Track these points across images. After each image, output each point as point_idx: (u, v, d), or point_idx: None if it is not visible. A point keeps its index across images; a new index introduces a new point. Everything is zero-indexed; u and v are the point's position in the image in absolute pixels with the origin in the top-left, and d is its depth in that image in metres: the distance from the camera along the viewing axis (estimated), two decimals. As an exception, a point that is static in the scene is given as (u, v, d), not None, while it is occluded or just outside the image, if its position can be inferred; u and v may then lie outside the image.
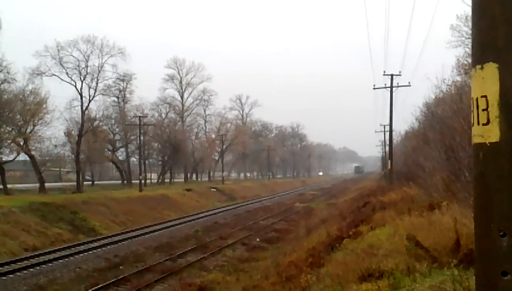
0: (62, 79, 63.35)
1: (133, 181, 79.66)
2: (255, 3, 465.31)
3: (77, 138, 64.32)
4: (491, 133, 2.58)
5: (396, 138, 60.59)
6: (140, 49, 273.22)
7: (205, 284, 20.22)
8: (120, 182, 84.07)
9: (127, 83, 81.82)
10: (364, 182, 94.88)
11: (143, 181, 68.66)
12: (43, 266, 24.53)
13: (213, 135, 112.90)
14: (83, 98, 65.38)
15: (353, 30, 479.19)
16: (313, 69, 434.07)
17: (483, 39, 2.66)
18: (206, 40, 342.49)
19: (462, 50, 38.06)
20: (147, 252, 28.59)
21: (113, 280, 20.77)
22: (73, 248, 29.76)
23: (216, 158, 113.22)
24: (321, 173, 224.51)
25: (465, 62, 33.80)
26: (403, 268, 8.22)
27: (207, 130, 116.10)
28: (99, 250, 29.62)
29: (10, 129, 55.13)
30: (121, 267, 24.27)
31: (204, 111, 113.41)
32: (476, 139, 2.68)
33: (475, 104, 2.68)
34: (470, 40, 2.80)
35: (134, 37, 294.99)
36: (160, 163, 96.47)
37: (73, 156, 68.04)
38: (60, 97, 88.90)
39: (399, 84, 47.47)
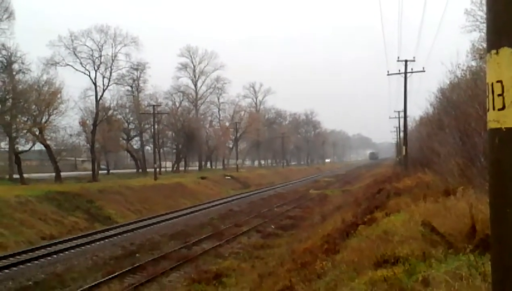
0: (76, 69, 63.82)
1: (148, 170, 79.93)
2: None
3: (92, 127, 64.63)
4: (506, 119, 2.57)
5: (410, 124, 60.23)
6: (153, 38, 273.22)
7: (221, 271, 20.32)
8: (135, 170, 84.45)
9: (140, 72, 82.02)
10: (379, 169, 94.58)
11: (157, 169, 68.90)
12: (60, 254, 24.81)
13: (227, 123, 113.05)
14: (97, 88, 65.86)
15: (366, 16, 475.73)
16: (326, 56, 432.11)
17: (498, 23, 2.65)
18: (219, 28, 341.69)
19: (477, 35, 37.65)
20: (162, 239, 28.77)
21: (129, 268, 20.96)
22: (89, 236, 30.04)
23: (230, 145, 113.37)
24: (327, 160, 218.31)
25: (480, 47, 33.47)
26: (419, 254, 8.20)
27: (221, 118, 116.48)
28: (115, 238, 29.88)
29: (26, 119, 55.51)
30: (137, 255, 24.47)
31: (218, 99, 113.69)
32: (491, 125, 2.67)
33: (491, 89, 2.67)
34: (485, 25, 2.77)
35: (147, 26, 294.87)
36: (174, 151, 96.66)
37: (88, 145, 68.43)
38: (75, 87, 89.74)
39: (413, 70, 47.20)
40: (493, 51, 2.65)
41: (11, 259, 23.22)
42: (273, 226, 33.41)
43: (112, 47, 66.56)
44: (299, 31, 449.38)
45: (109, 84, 67.95)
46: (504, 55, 2.59)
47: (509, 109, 2.56)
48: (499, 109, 2.61)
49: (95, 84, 65.55)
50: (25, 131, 55.10)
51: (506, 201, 2.59)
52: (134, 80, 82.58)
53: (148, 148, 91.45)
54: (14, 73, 53.17)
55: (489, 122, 2.69)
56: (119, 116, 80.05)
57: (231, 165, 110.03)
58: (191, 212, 43.01)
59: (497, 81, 2.62)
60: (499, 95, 2.61)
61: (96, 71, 65.29)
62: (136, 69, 79.32)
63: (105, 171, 79.29)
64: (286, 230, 31.80)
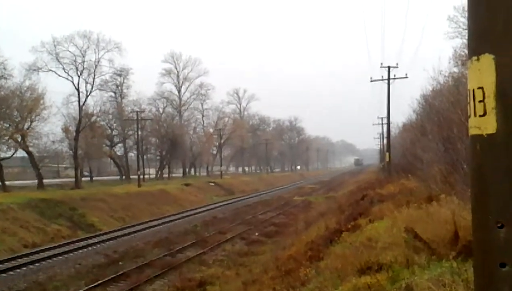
0: (59, 75, 63.62)
1: (131, 176, 79.60)
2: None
3: (74, 134, 64.29)
4: (487, 125, 2.57)
5: (394, 130, 60.56)
6: (137, 44, 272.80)
7: (205, 278, 20.26)
8: (118, 177, 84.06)
9: (124, 78, 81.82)
10: (363, 175, 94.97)
11: (141, 176, 68.67)
12: (43, 262, 24.59)
13: (211, 130, 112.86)
14: (80, 94, 65.66)
15: (349, 23, 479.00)
16: (309, 63, 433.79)
17: (479, 30, 2.65)
18: (203, 35, 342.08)
19: (460, 41, 37.97)
20: (146, 247, 28.61)
21: (112, 276, 20.80)
22: (72, 244, 29.80)
23: (214, 152, 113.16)
24: (298, 167, 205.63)
25: (462, 53, 33.75)
26: (402, 261, 8.23)
27: (204, 124, 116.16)
28: (98, 246, 29.67)
29: (8, 125, 54.99)
30: (120, 263, 24.30)
31: (202, 105, 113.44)
32: (473, 131, 2.67)
33: (472, 96, 2.66)
34: (466, 31, 2.79)
35: (131, 32, 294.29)
36: (158, 158, 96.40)
37: (71, 151, 68.07)
38: (57, 93, 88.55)
39: (396, 76, 47.48)
40: (474, 58, 2.65)
41: (-8, 267, 22.94)
42: (257, 233, 33.35)
43: (95, 52, 66.57)
44: (281, 38, 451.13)
45: (92, 90, 67.96)
46: (485, 61, 2.59)
47: (490, 115, 2.56)
48: (480, 116, 2.61)
49: (78, 90, 65.36)
50: (7, 138, 54.57)
51: (487, 207, 2.59)
52: (117, 86, 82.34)
53: (132, 155, 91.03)
54: (-4, 79, 52.68)
55: (470, 128, 2.69)
56: (102, 123, 79.72)
57: (215, 172, 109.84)
58: (175, 219, 42.83)
59: (478, 88, 2.62)
60: (480, 101, 2.61)
61: (79, 77, 65.21)
62: (120, 75, 79.26)
63: (88, 178, 78.85)
64: (271, 237, 31.77)
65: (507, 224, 2.53)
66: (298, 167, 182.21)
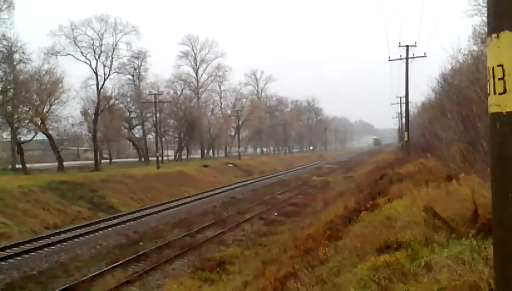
0: (77, 58, 63.78)
1: (150, 158, 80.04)
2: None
3: (93, 117, 64.68)
4: (507, 103, 2.56)
5: (412, 110, 60.10)
6: (154, 27, 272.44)
7: (224, 258, 20.42)
8: (137, 159, 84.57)
9: (141, 61, 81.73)
10: (381, 155, 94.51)
11: (160, 158, 68.95)
12: (64, 243, 24.89)
13: (229, 111, 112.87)
14: (98, 77, 65.87)
15: (368, 1, 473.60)
16: (327, 43, 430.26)
17: (499, 7, 2.63)
18: (219, 17, 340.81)
19: (479, 19, 37.33)
20: (166, 228, 28.86)
21: (133, 256, 21.04)
22: (93, 226, 30.11)
23: (232, 133, 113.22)
24: (311, 147, 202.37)
25: (482, 31, 33.23)
26: (421, 239, 8.21)
27: (222, 106, 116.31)
28: (118, 227, 29.96)
29: (27, 109, 55.51)
30: (140, 243, 24.54)
31: (219, 87, 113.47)
32: (492, 109, 2.67)
33: (491, 74, 2.66)
34: (486, 9, 2.76)
35: (148, 16, 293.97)
36: (176, 139, 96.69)
37: (90, 134, 68.49)
38: (76, 77, 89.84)
39: (415, 56, 47.03)
40: (494, 35, 2.64)
41: (15, 248, 23.28)
42: (276, 213, 33.47)
43: (112, 36, 66.58)
44: (300, 17, 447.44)
45: (110, 73, 68.16)
46: (505, 39, 2.57)
47: (510, 93, 2.55)
48: (500, 94, 2.60)
49: (96, 73, 65.60)
50: (27, 121, 55.16)
51: (507, 185, 2.59)
52: (135, 69, 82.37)
53: (150, 137, 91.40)
54: (15, 63, 53.03)
55: (490, 106, 2.69)
56: (121, 106, 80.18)
57: (233, 153, 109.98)
58: (194, 200, 43.05)
59: (498, 65, 2.61)
60: (500, 79, 2.60)
61: (97, 60, 65.36)
62: (137, 58, 79.18)
63: (108, 160, 79.44)
64: (289, 216, 31.85)
65: (527, 201, 2.54)
66: (311, 147, 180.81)
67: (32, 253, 22.58)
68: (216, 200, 42.11)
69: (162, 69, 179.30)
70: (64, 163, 59.69)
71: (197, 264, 19.84)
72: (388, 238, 9.07)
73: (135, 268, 19.81)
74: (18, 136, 55.65)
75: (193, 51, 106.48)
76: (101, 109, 65.13)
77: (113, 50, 66.88)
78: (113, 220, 32.17)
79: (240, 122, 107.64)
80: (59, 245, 24.40)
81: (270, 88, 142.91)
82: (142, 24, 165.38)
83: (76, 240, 25.85)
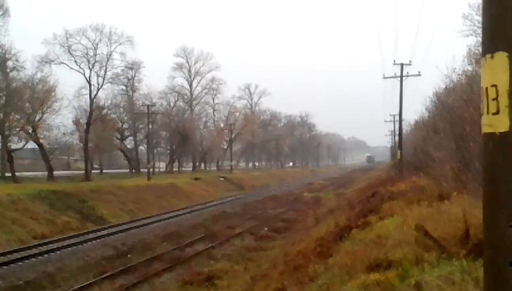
0: (71, 67, 63.70)
1: (141, 170, 79.78)
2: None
3: (85, 126, 64.48)
4: (500, 123, 2.55)
5: (405, 128, 60.22)
6: (149, 39, 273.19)
7: (213, 273, 20.32)
8: (128, 170, 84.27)
9: (135, 72, 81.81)
10: (373, 172, 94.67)
11: (151, 170, 68.75)
12: (52, 254, 24.71)
13: (222, 125, 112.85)
14: (92, 87, 65.73)
15: (362, 19, 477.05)
16: (322, 59, 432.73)
17: (493, 27, 2.63)
18: (215, 30, 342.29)
19: (474, 40, 37.63)
20: (155, 240, 28.71)
21: (121, 268, 20.90)
22: (81, 236, 29.94)
23: (225, 147, 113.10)
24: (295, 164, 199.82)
25: (477, 51, 33.45)
26: (412, 258, 8.19)
27: (215, 119, 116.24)
28: (107, 238, 29.80)
29: (19, 117, 55.35)
30: (129, 256, 24.42)
31: (213, 100, 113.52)
32: (485, 129, 2.65)
33: (485, 94, 2.65)
34: (481, 29, 2.77)
35: (142, 27, 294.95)
36: (168, 151, 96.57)
37: (81, 144, 68.26)
38: (69, 86, 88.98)
39: (409, 74, 47.28)
40: (488, 56, 2.63)
41: (2, 257, 23.06)
42: (266, 228, 33.37)
43: (107, 46, 66.63)
44: (294, 34, 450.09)
45: (104, 83, 68.02)
46: (499, 59, 2.57)
47: (503, 113, 2.54)
48: (493, 114, 2.59)
49: (89, 83, 65.47)
50: (18, 129, 54.98)
51: (498, 206, 2.57)
52: (128, 80, 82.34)
53: (142, 148, 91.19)
54: (8, 70, 53.00)
55: (483, 126, 2.67)
56: (113, 116, 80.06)
57: (225, 166, 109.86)
58: (185, 213, 42.93)
59: (492, 86, 2.60)
60: (493, 99, 2.59)
61: (90, 69, 65.29)
62: (131, 68, 79.18)
63: (98, 171, 79.10)
64: (280, 232, 31.78)
65: (519, 223, 2.52)
66: (304, 163, 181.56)
67: (19, 263, 22.39)
68: (206, 214, 41.99)
69: (156, 80, 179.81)
70: (55, 172, 59.44)
71: (185, 277, 19.73)
72: (378, 256, 9.04)
73: (123, 280, 19.67)
74: (8, 144, 55.36)
75: (188, 63, 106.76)
76: (94, 119, 64.95)
77: (107, 60, 66.97)
78: (102, 231, 31.99)
79: (232, 136, 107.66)
80: (46, 255, 24.22)
81: (263, 102, 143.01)
82: (137, 35, 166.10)
83: (64, 250, 25.66)
